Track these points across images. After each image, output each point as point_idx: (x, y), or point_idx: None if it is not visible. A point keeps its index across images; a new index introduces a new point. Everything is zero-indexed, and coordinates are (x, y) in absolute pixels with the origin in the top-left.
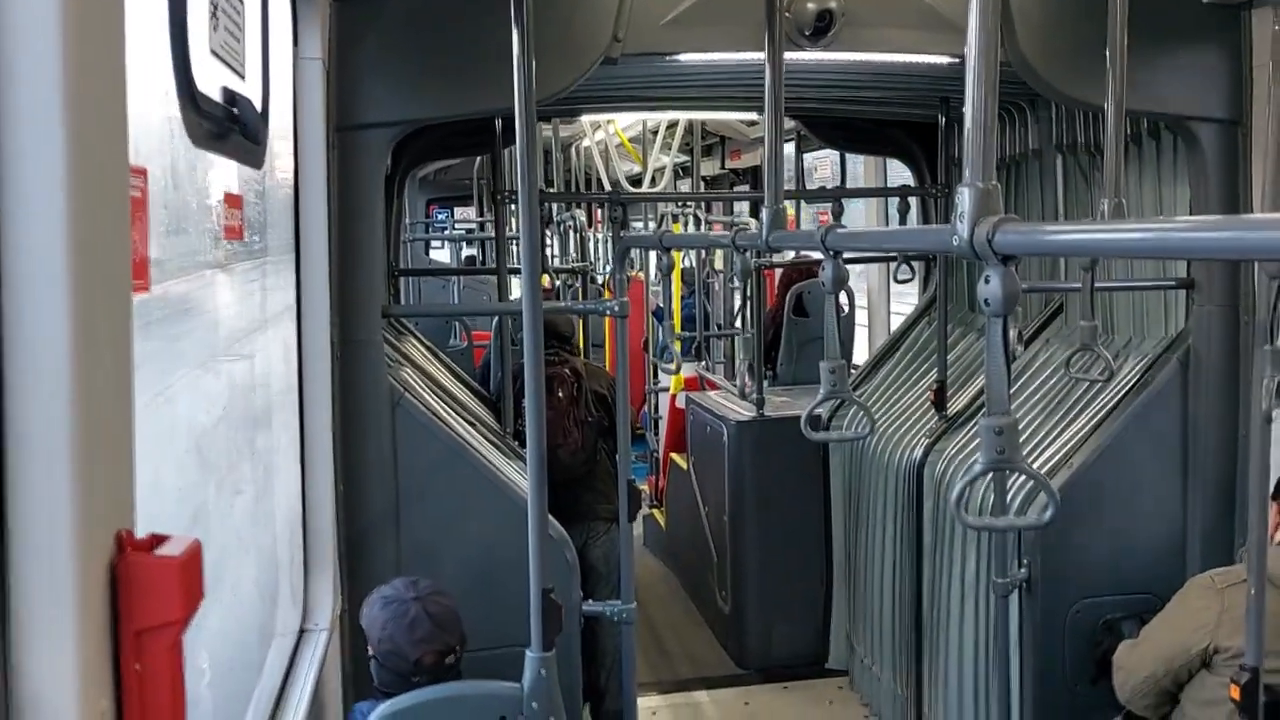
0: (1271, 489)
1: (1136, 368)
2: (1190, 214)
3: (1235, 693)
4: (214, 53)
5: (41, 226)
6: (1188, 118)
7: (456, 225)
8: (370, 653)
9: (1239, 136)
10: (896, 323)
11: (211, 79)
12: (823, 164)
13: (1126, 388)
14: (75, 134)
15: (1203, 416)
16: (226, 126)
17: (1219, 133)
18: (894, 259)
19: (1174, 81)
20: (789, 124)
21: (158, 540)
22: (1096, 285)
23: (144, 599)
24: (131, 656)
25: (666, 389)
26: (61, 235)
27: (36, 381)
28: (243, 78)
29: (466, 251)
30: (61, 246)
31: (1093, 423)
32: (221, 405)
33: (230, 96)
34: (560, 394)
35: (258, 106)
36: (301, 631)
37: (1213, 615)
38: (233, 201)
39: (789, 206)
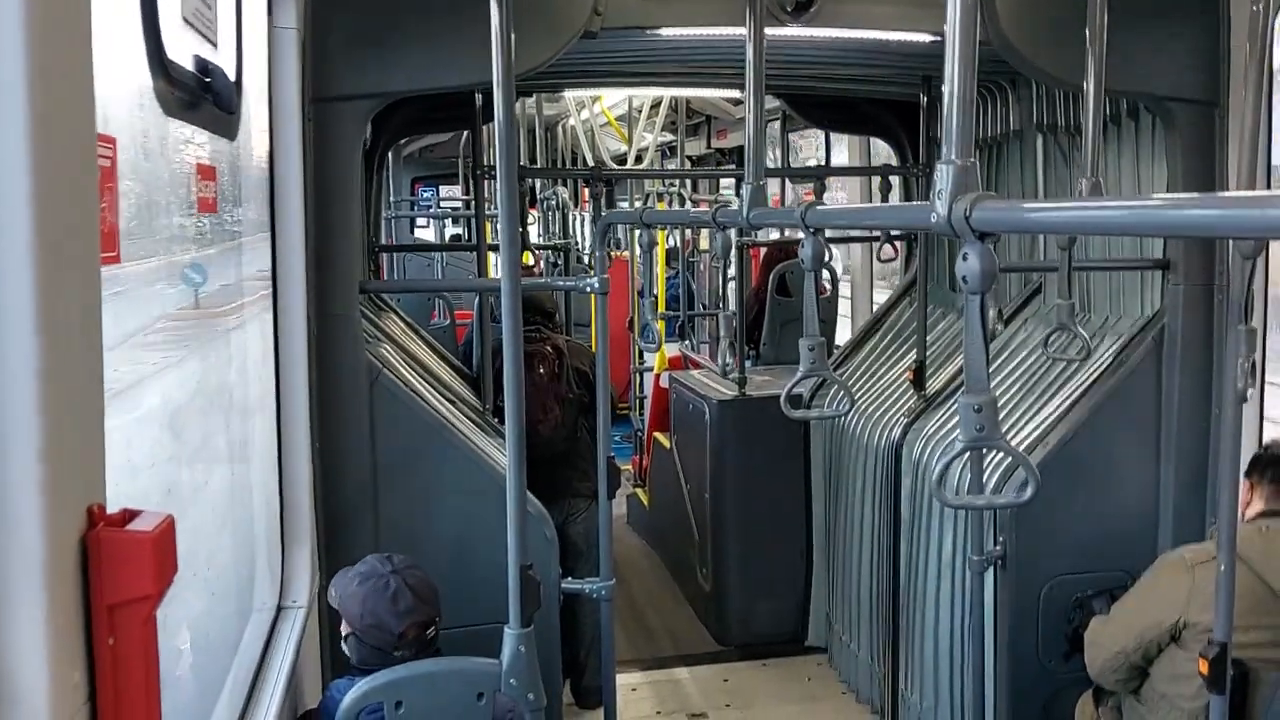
0: (1244, 467)
1: (1113, 347)
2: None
3: (1204, 667)
4: (186, 20)
5: (5, 198)
6: (1166, 98)
7: (442, 203)
8: (347, 631)
9: (1216, 117)
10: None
11: (183, 47)
12: (808, 144)
13: (1103, 367)
14: (40, 104)
15: (1177, 395)
16: (199, 95)
17: (1196, 113)
18: (876, 239)
19: (1153, 62)
20: (774, 103)
21: (130, 515)
22: (1074, 265)
23: (116, 574)
24: (104, 631)
25: (652, 369)
26: (27, 207)
27: (3, 355)
28: (215, 46)
29: (451, 229)
30: (27, 218)
31: (1069, 401)
32: (196, 380)
33: (202, 65)
34: (541, 370)
35: (231, 76)
36: (279, 608)
37: (1183, 591)
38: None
39: (773, 185)
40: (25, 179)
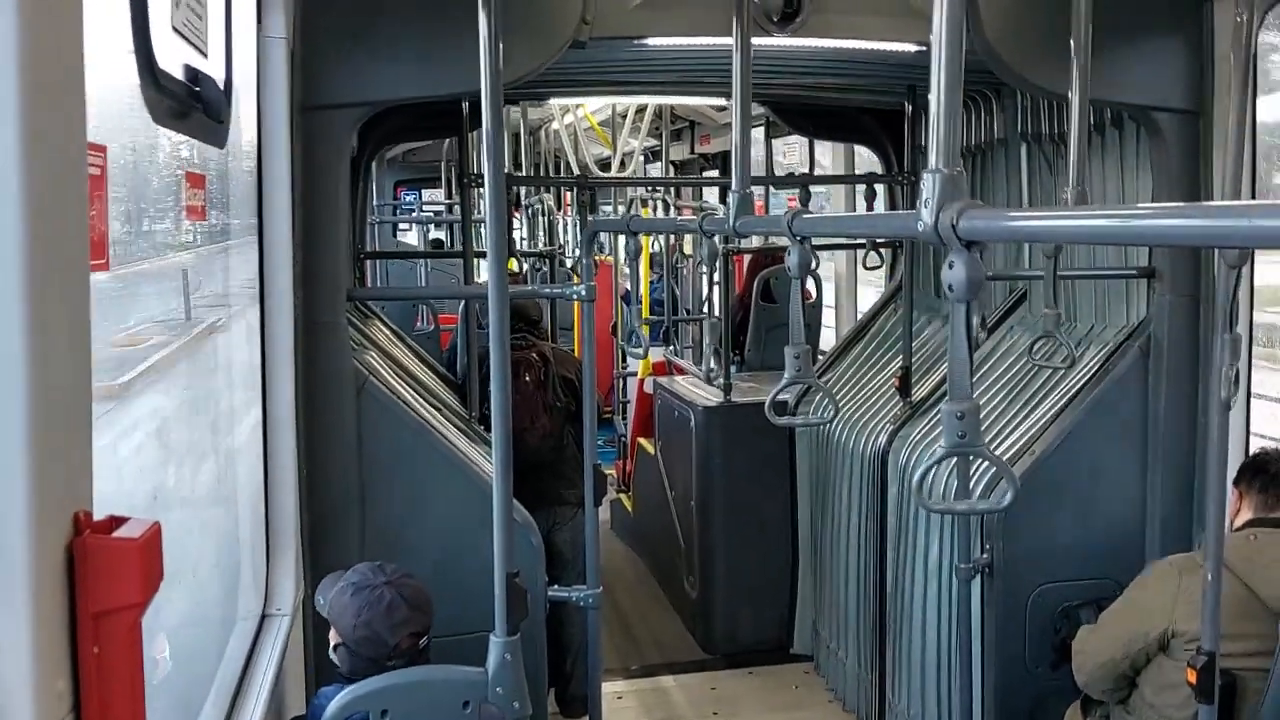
0: (1233, 475)
1: (1098, 355)
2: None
3: (1192, 676)
4: (176, 30)
5: None
6: (1150, 107)
7: (424, 207)
8: (336, 641)
9: (1200, 127)
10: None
11: (173, 56)
12: (792, 150)
13: (1088, 375)
14: (31, 110)
15: (1163, 404)
16: (188, 104)
17: (1181, 123)
18: (862, 246)
19: (1137, 71)
20: (759, 110)
21: (116, 522)
22: (1059, 273)
23: (102, 581)
24: (89, 639)
25: (635, 374)
26: (17, 213)
27: None
28: (205, 55)
29: (433, 234)
30: (17, 224)
31: (1054, 410)
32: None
33: (192, 74)
34: (527, 378)
35: (220, 84)
36: (264, 616)
37: (1170, 600)
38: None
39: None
40: (15, 187)
